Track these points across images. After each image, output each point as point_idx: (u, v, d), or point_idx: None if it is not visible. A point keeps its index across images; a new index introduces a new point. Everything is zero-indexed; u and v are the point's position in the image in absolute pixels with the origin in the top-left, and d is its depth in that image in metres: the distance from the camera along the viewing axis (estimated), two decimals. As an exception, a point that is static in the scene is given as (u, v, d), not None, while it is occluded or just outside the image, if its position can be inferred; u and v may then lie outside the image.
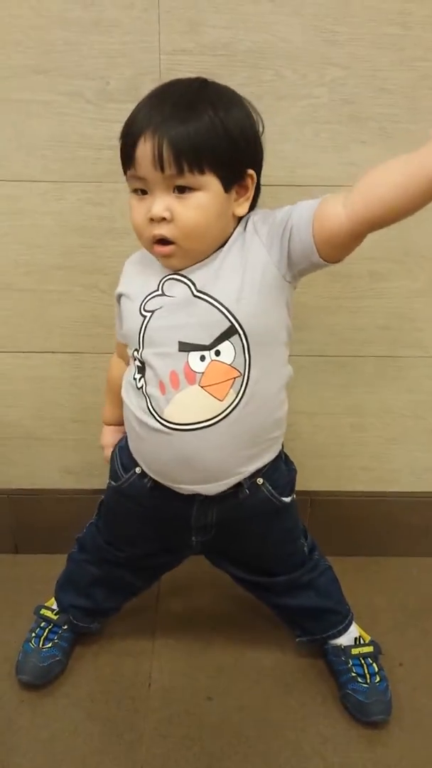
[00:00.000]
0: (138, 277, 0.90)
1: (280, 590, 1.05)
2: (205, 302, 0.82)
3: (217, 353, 0.82)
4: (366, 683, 1.05)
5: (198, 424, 0.84)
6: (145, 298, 0.86)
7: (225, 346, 0.82)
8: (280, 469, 0.96)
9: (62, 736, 1.01)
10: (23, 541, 1.37)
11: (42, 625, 1.13)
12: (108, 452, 1.05)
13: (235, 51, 0.99)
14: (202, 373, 0.83)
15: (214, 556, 1.05)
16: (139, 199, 0.82)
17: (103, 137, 1.03)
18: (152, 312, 0.86)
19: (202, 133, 0.76)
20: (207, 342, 0.82)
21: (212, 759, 0.98)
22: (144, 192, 0.81)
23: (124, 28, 0.98)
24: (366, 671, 1.06)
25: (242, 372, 0.83)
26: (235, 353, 0.82)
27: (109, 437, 1.08)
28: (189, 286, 0.83)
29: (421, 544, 1.37)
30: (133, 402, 0.90)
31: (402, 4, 0.96)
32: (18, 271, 1.14)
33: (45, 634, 1.12)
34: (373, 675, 1.06)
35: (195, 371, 0.83)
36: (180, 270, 0.85)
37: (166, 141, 0.76)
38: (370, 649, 1.09)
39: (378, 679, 1.06)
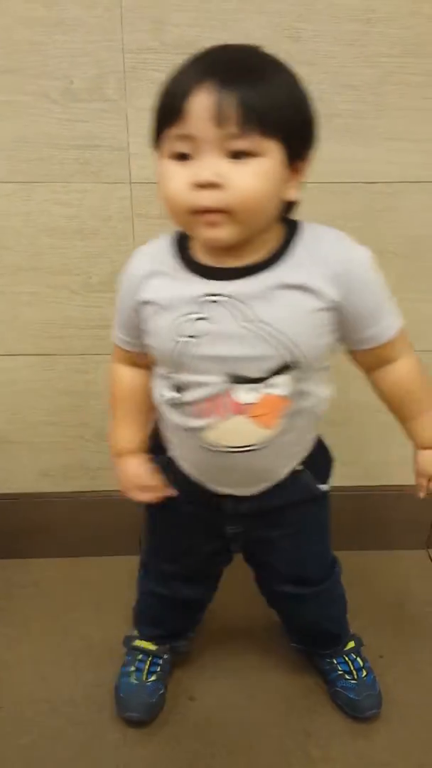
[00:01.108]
0: (165, 290, 0.77)
1: (302, 602, 1.01)
2: (257, 334, 0.72)
3: (270, 385, 0.75)
4: (354, 679, 1.05)
5: (243, 448, 0.79)
6: (181, 320, 0.74)
7: (281, 379, 0.75)
8: (317, 453, 0.91)
9: (43, 741, 1.00)
10: (0, 546, 1.36)
11: (140, 657, 1.06)
12: (158, 492, 0.90)
13: (199, 49, 0.98)
14: (252, 404, 0.76)
15: (249, 556, 1.00)
16: (179, 164, 0.68)
17: (69, 137, 1.03)
18: (192, 337, 0.74)
19: (275, 90, 0.66)
20: (259, 375, 0.74)
21: (196, 758, 0.98)
22: (185, 157, 0.67)
23: (88, 28, 0.97)
24: (352, 667, 1.06)
25: (294, 401, 0.77)
26: (291, 385, 0.76)
27: (138, 469, 0.90)
28: (238, 313, 0.72)
29: (397, 538, 1.38)
30: (173, 413, 0.82)
31: (365, 0, 0.97)
32: (-14, 274, 1.13)
33: (147, 666, 1.05)
34: (359, 670, 1.06)
35: (244, 403, 0.76)
36: (216, 278, 0.73)
37: (234, 93, 0.63)
38: (352, 644, 1.08)
39: (365, 673, 1.06)
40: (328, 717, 1.04)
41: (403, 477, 1.33)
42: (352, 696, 1.03)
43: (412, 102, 1.03)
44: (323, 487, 0.93)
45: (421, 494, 0.93)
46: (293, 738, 1.01)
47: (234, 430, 0.78)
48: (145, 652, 1.06)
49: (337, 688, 1.05)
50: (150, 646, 1.06)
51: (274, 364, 0.74)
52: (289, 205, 0.76)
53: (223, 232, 0.69)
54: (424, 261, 1.14)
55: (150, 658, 1.06)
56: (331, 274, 0.74)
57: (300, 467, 0.88)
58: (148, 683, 1.04)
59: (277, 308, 0.73)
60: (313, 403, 0.81)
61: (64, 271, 1.12)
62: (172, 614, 1.05)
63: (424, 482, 0.92)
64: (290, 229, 0.76)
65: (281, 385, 0.76)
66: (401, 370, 0.84)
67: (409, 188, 1.08)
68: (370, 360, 0.83)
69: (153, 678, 1.04)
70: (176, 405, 0.80)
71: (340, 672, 1.05)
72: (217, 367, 0.75)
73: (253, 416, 0.77)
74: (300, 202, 0.77)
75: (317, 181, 1.05)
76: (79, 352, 1.17)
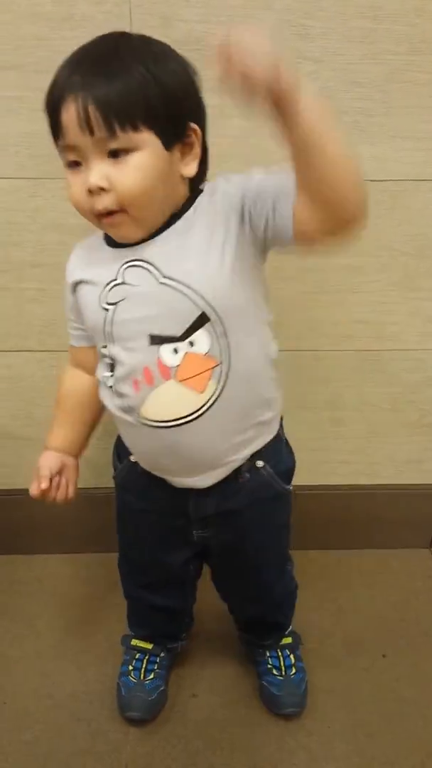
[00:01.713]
0: (93, 264, 0.82)
1: (256, 602, 1.02)
2: (172, 289, 0.74)
3: (191, 344, 0.76)
4: (281, 675, 1.05)
5: (179, 420, 0.78)
6: (105, 289, 0.78)
7: (199, 335, 0.75)
8: (281, 453, 0.91)
9: (45, 737, 1.00)
10: (3, 542, 1.36)
11: (137, 656, 1.07)
12: (44, 472, 0.92)
13: (207, 45, 0.98)
14: (177, 366, 0.76)
15: (212, 558, 1.00)
16: (74, 172, 0.73)
17: (77, 133, 1.03)
18: (115, 304, 0.78)
19: (132, 87, 0.68)
20: (178, 333, 0.75)
21: (198, 756, 0.98)
22: (78, 164, 0.73)
23: (96, 23, 0.97)
24: (282, 663, 1.06)
25: (220, 360, 0.77)
26: (211, 341, 0.76)
27: (51, 460, 0.94)
28: (152, 273, 0.75)
29: (400, 537, 1.38)
30: (108, 402, 0.85)
31: (372, -2, 0.97)
32: (-7, 270, 1.13)
33: (144, 665, 1.06)
34: (288, 667, 1.05)
35: (168, 365, 0.76)
36: (135, 241, 0.76)
37: (91, 99, 0.67)
38: (288, 640, 1.08)
39: (293, 671, 1.05)
40: (331, 715, 1.04)
41: (407, 476, 1.34)
42: (274, 691, 1.03)
43: (419, 100, 1.03)
44: (287, 486, 0.93)
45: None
46: (295, 736, 1.01)
47: (165, 398, 0.78)
48: (142, 651, 1.07)
49: (263, 682, 1.06)
50: (146, 645, 1.07)
51: (188, 318, 0.75)
52: (196, 179, 0.77)
53: (127, 230, 0.75)
54: (430, 259, 1.14)
55: (147, 657, 1.07)
56: (223, 208, 0.75)
57: (261, 463, 0.88)
58: (147, 681, 1.04)
59: (182, 262, 0.75)
60: (248, 370, 0.80)
61: (70, 267, 1.12)
62: (156, 618, 1.05)
63: None
64: (195, 191, 0.79)
65: (202, 342, 0.76)
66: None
67: (417, 186, 1.08)
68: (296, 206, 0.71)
69: (151, 676, 1.05)
70: (113, 387, 0.82)
71: (269, 666, 1.06)
72: (139, 328, 0.77)
73: (182, 380, 0.77)
74: (192, 175, 0.76)
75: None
76: (84, 348, 1.17)
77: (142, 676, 1.05)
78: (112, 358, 0.81)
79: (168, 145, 0.72)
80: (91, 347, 0.89)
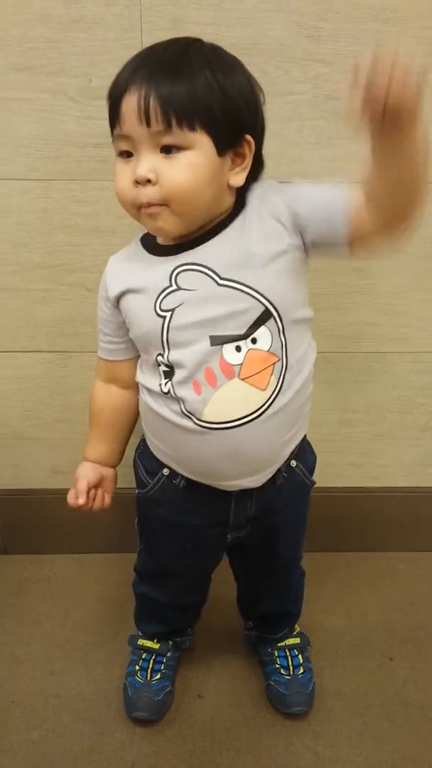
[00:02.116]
0: (136, 273, 0.82)
1: (271, 589, 1.03)
2: (232, 290, 0.75)
3: (254, 341, 0.77)
4: (288, 675, 1.05)
5: (243, 419, 0.79)
6: (159, 297, 0.78)
7: (261, 332, 0.76)
8: (306, 449, 0.93)
9: (52, 736, 1.01)
10: (12, 542, 1.36)
11: (144, 656, 1.07)
12: (82, 485, 0.94)
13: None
14: (241, 364, 0.77)
15: (239, 554, 1.01)
16: (124, 162, 0.74)
17: (87, 134, 1.03)
18: (172, 310, 0.77)
19: (195, 90, 0.69)
20: (241, 331, 0.76)
21: (204, 756, 0.98)
22: (129, 154, 0.74)
23: (107, 25, 0.97)
24: (290, 663, 1.07)
25: (280, 356, 0.78)
26: (272, 338, 0.77)
27: (89, 472, 0.96)
28: (209, 275, 0.76)
29: (408, 539, 1.38)
30: (163, 407, 0.83)
31: (383, 0, 0.96)
32: (2, 270, 1.13)
33: (150, 665, 1.06)
34: (296, 667, 1.06)
35: (232, 364, 0.77)
36: (181, 251, 0.77)
37: (154, 92, 0.68)
38: (296, 640, 1.09)
39: (301, 671, 1.06)
40: (337, 718, 1.04)
41: (415, 479, 1.34)
42: (281, 690, 1.04)
43: (430, 103, 1.02)
44: (313, 479, 0.95)
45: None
46: (302, 738, 1.01)
47: (229, 398, 0.78)
48: (149, 651, 1.07)
49: (270, 682, 1.06)
50: (153, 645, 1.07)
51: (252, 315, 0.76)
52: (242, 190, 0.78)
53: (164, 223, 0.75)
54: (440, 261, 1.14)
55: (153, 657, 1.07)
56: (274, 216, 0.76)
57: (294, 462, 0.90)
58: (153, 682, 1.04)
59: (239, 264, 0.76)
60: (298, 361, 0.81)
61: (79, 268, 1.13)
62: (173, 615, 1.06)
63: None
64: (241, 197, 0.80)
65: (264, 339, 0.77)
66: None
67: (427, 189, 1.07)
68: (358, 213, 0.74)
69: (158, 676, 1.05)
70: (171, 393, 0.80)
71: (276, 666, 1.07)
72: (201, 331, 0.77)
73: (245, 378, 0.77)
74: (239, 185, 0.77)
75: (334, 181, 1.06)
76: (93, 349, 1.15)
77: (148, 676, 1.05)
78: (169, 365, 0.80)
79: (221, 150, 0.73)
80: (127, 360, 0.90)
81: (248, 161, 0.76)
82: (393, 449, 1.30)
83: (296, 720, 1.03)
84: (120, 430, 0.96)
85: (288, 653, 1.08)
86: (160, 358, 0.81)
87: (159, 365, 0.82)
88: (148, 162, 0.71)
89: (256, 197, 0.79)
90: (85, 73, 1.00)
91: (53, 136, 1.04)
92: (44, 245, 1.11)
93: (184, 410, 0.80)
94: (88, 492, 0.94)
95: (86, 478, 0.95)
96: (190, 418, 0.80)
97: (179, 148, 0.71)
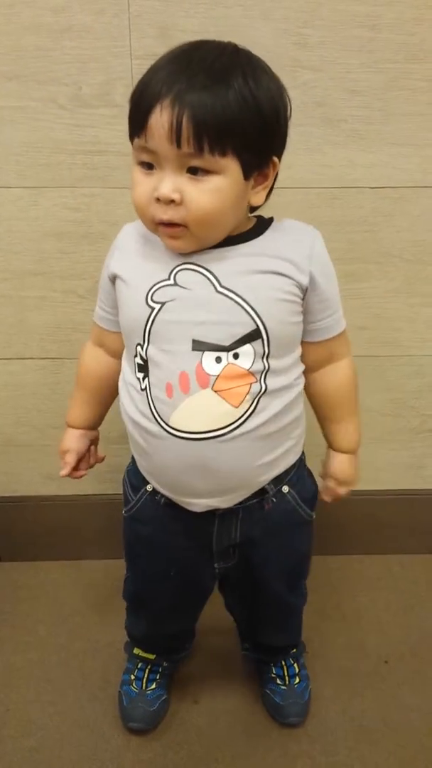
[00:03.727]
0: (141, 259, 0.79)
1: (269, 628, 1.02)
2: (230, 300, 0.74)
3: (236, 356, 0.74)
4: (284, 685, 1.05)
5: (210, 433, 0.76)
6: (153, 287, 0.76)
7: (245, 350, 0.74)
8: (304, 478, 0.90)
9: (48, 743, 1.00)
10: (5, 549, 1.36)
11: (140, 665, 1.06)
12: (70, 459, 0.94)
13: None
14: (217, 376, 0.74)
15: (229, 585, 0.99)
16: (145, 173, 0.71)
17: (77, 142, 1.03)
18: (162, 304, 0.75)
19: (231, 109, 0.66)
20: (226, 343, 0.74)
21: (200, 763, 0.98)
22: (151, 166, 0.71)
23: (96, 34, 0.98)
24: (286, 672, 1.06)
25: (258, 379, 0.76)
26: (254, 359, 0.75)
27: (73, 441, 0.96)
28: (211, 280, 0.74)
29: (403, 542, 1.38)
30: (133, 407, 0.81)
31: (370, 7, 0.97)
32: (-6, 278, 1.13)
33: (146, 675, 1.05)
34: (292, 676, 1.06)
35: (208, 373, 0.74)
36: (188, 255, 0.76)
37: (188, 113, 0.65)
38: (293, 650, 1.08)
39: (297, 680, 1.05)
40: (333, 723, 1.04)
41: (408, 481, 1.34)
42: (277, 700, 1.03)
43: (418, 107, 1.03)
44: (311, 513, 0.92)
45: (327, 498, 0.94)
46: (297, 743, 1.01)
47: (199, 408, 0.76)
48: (144, 660, 1.06)
49: (266, 691, 1.06)
50: (149, 656, 1.06)
51: (240, 330, 0.74)
52: (255, 207, 0.78)
53: (183, 244, 0.74)
54: (430, 265, 1.14)
55: (149, 667, 1.06)
56: (299, 259, 0.77)
57: (286, 489, 0.86)
58: (148, 692, 1.04)
59: (244, 280, 0.75)
60: (281, 386, 0.79)
61: (71, 275, 1.13)
62: (163, 641, 1.04)
63: (332, 485, 0.93)
64: (261, 218, 0.81)
65: (246, 355, 0.75)
66: (345, 370, 0.88)
67: (415, 193, 1.09)
68: (322, 354, 0.86)
69: (153, 686, 1.04)
70: (141, 389, 0.79)
71: (272, 675, 1.06)
72: (183, 332, 0.75)
73: (218, 390, 0.75)
74: (263, 205, 0.78)
75: (323, 186, 1.07)
76: (85, 355, 1.17)
77: (144, 686, 1.04)
78: (144, 359, 0.78)
79: (247, 174, 0.72)
80: (117, 332, 0.86)
81: (270, 181, 0.76)
82: (386, 452, 1.31)
83: (292, 725, 1.03)
84: (105, 395, 0.94)
85: (284, 663, 1.07)
86: (139, 349, 0.79)
87: (136, 355, 0.79)
88: (174, 182, 0.69)
89: (276, 228, 0.79)
90: (75, 81, 1.00)
91: (43, 143, 1.04)
92: (35, 252, 1.11)
93: (153, 411, 0.78)
94: (78, 462, 0.96)
95: (76, 450, 0.96)
96: (158, 422, 0.78)
97: (207, 172, 0.69)
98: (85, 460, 0.98)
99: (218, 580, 0.96)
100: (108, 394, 0.94)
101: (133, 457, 0.91)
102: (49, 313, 1.16)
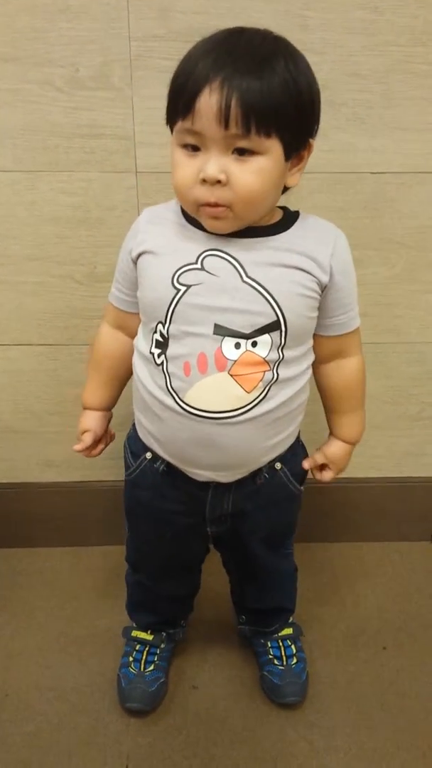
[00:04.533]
0: (165, 240, 0.81)
1: (261, 585, 1.04)
2: (254, 290, 0.77)
3: (254, 344, 0.78)
4: (282, 665, 1.06)
5: (221, 413, 0.80)
6: (180, 269, 0.78)
7: (264, 339, 0.78)
8: (298, 455, 0.94)
9: (47, 728, 1.01)
10: (4, 535, 1.36)
11: (137, 648, 1.08)
12: (88, 438, 0.97)
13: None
14: (235, 361, 0.78)
15: (223, 547, 1.03)
16: (188, 155, 0.73)
17: (75, 125, 1.02)
18: (188, 287, 0.77)
19: (276, 92, 0.68)
20: (247, 331, 0.77)
21: (198, 747, 0.99)
22: (195, 148, 0.72)
23: (93, 15, 0.96)
24: (283, 653, 1.07)
25: (272, 368, 0.80)
26: (271, 348, 0.78)
27: (93, 422, 0.98)
28: (237, 269, 0.77)
29: (402, 529, 1.38)
30: (149, 378, 0.84)
31: (373, -12, 0.96)
32: (-9, 263, 1.12)
33: (144, 657, 1.07)
34: (290, 657, 1.07)
35: (227, 358, 0.78)
36: (216, 241, 0.78)
37: (237, 95, 0.67)
38: (289, 631, 1.10)
39: (294, 660, 1.07)
40: (331, 708, 1.04)
41: (409, 468, 1.34)
42: (275, 681, 1.05)
43: (420, 91, 1.02)
44: (300, 487, 0.96)
45: (306, 466, 0.96)
46: (296, 728, 1.01)
47: (214, 389, 0.79)
48: (142, 642, 1.08)
49: (264, 672, 1.07)
50: (147, 636, 1.08)
51: (261, 320, 0.77)
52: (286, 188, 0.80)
53: (224, 224, 0.75)
54: (431, 252, 1.13)
55: (147, 648, 1.08)
56: (322, 257, 0.80)
57: (279, 465, 0.90)
58: (147, 673, 1.05)
59: (270, 273, 0.77)
60: (291, 382, 0.83)
61: (68, 260, 1.12)
62: (163, 606, 1.06)
63: (320, 459, 0.97)
64: (287, 211, 0.83)
65: (264, 344, 0.78)
66: (354, 367, 0.92)
67: (417, 178, 1.07)
68: (332, 349, 0.89)
69: (151, 668, 1.06)
70: (158, 364, 0.81)
71: (270, 656, 1.08)
72: (209, 316, 0.77)
73: (234, 374, 0.78)
74: (294, 185, 0.80)
75: (324, 171, 1.06)
76: (83, 342, 1.16)
77: (142, 667, 1.05)
78: (165, 337, 0.80)
79: (288, 156, 0.74)
80: (136, 314, 0.88)
81: (305, 162, 0.78)
82: (386, 439, 1.31)
83: (290, 710, 1.04)
84: (122, 376, 0.96)
85: (281, 644, 1.08)
86: (159, 327, 0.80)
87: (155, 332, 0.81)
88: (220, 162, 0.71)
89: (301, 227, 0.81)
90: (72, 63, 0.99)
91: (40, 127, 1.03)
92: (32, 237, 1.10)
93: (169, 386, 0.81)
94: (94, 443, 0.98)
95: (94, 431, 0.98)
96: (173, 396, 0.81)
97: (252, 152, 0.71)
98: (103, 440, 1.01)
99: (213, 540, 1.00)
100: (125, 375, 0.96)
101: (134, 425, 0.93)
102: (47, 299, 1.15)
